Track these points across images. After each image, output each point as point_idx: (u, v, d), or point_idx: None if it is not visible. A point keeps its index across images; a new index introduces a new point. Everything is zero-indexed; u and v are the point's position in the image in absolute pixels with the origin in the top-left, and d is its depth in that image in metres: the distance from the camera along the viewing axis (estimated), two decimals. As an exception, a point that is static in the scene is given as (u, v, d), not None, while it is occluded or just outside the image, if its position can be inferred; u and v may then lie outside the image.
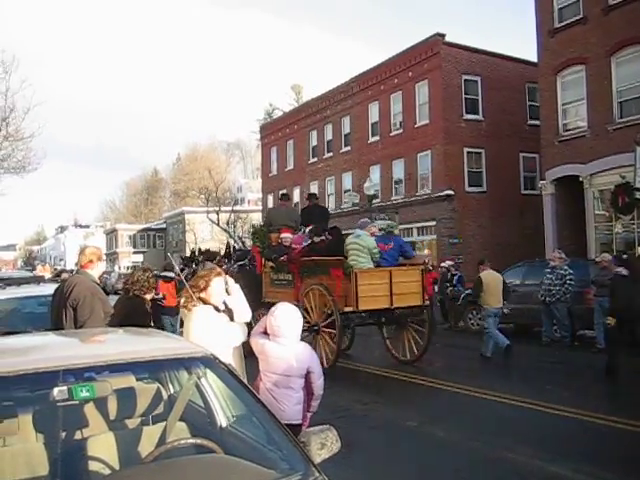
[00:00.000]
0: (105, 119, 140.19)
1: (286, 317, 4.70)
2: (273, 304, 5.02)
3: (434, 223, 27.24)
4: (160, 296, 11.65)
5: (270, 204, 42.12)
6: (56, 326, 5.51)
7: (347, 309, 10.46)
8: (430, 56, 27.46)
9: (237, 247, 13.97)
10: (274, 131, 42.72)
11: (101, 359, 3.03)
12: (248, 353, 5.28)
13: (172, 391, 3.83)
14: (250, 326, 5.17)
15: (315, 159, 36.86)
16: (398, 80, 29.57)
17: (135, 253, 71.16)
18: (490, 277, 13.39)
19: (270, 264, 12.06)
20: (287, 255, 11.55)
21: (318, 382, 4.70)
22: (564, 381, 10.62)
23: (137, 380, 3.63)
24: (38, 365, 2.86)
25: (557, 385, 10.13)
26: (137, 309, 6.15)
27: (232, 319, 5.02)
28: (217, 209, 51.47)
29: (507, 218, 26.07)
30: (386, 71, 30.47)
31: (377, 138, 31.31)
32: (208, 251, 14.16)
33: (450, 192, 26.43)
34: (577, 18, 20.33)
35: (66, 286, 5.70)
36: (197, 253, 13.75)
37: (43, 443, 3.13)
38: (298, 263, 11.41)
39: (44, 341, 4.00)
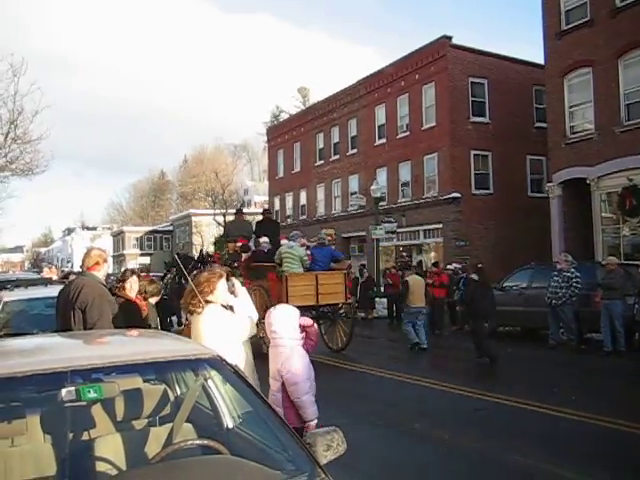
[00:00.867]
0: (112, 122, 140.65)
1: (271, 319, 4.78)
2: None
3: (441, 226, 27.21)
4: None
5: (277, 206, 42.21)
6: (62, 328, 5.51)
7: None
8: (437, 59, 27.47)
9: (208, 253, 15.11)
10: (281, 133, 42.78)
11: (108, 360, 3.05)
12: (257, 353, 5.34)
13: (179, 392, 3.84)
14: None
15: (322, 161, 36.89)
16: (405, 82, 29.59)
17: (142, 255, 71.29)
18: (415, 281, 14.83)
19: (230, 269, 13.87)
20: (238, 261, 13.44)
21: (290, 387, 4.61)
22: (570, 384, 10.58)
23: (144, 381, 3.64)
24: (46, 366, 2.87)
25: (563, 388, 10.10)
26: (131, 311, 6.19)
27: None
28: (224, 211, 51.57)
29: (514, 221, 26.01)
30: (393, 74, 30.49)
31: (384, 140, 31.32)
32: (185, 256, 15.17)
33: (457, 195, 26.41)
34: (584, 20, 20.30)
35: (73, 288, 5.70)
36: (178, 257, 14.31)
37: (51, 443, 3.15)
38: (246, 268, 13.42)
39: (52, 342, 4.02)
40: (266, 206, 17.25)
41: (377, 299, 24.26)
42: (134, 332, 4.44)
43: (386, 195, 29.90)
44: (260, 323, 5.91)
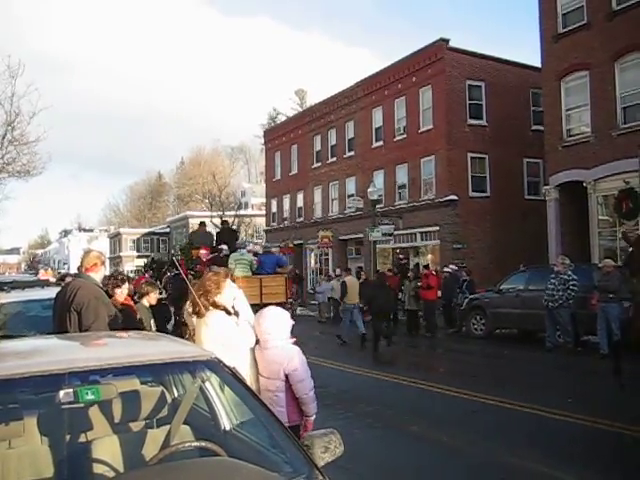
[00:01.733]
0: (110, 124, 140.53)
1: (264, 321, 4.72)
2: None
3: (437, 228, 27.21)
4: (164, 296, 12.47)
5: (274, 209, 42.26)
6: (59, 330, 5.49)
7: None
8: (434, 61, 27.49)
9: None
10: (278, 136, 42.79)
11: (106, 362, 3.05)
12: None
13: (176, 394, 3.84)
14: None
15: (319, 164, 36.89)
16: (402, 85, 29.61)
17: (139, 257, 71.15)
18: (352, 282, 18.06)
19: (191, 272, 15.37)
20: (199, 265, 14.60)
21: (297, 385, 4.60)
22: (567, 386, 10.60)
23: (141, 383, 3.64)
24: (43, 368, 2.87)
25: (560, 390, 10.12)
26: (121, 315, 6.20)
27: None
28: (221, 213, 51.56)
29: (511, 223, 26.02)
30: (390, 76, 30.51)
31: (381, 143, 31.34)
32: (159, 260, 15.85)
33: (454, 197, 26.42)
34: (581, 24, 20.35)
35: (69, 290, 5.68)
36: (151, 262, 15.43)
37: (48, 445, 3.14)
38: (204, 271, 14.37)
39: (49, 344, 4.01)
40: (225, 218, 19.36)
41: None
42: (131, 334, 4.44)
43: (383, 197, 29.89)
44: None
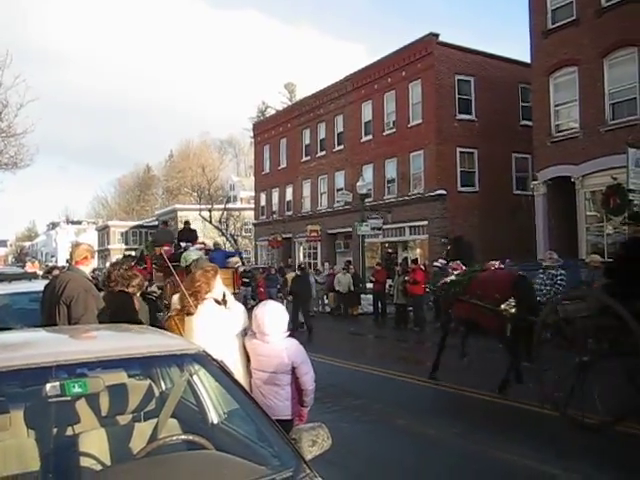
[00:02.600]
0: (98, 116, 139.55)
1: (268, 315, 4.69)
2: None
3: (426, 222, 27.27)
4: (155, 290, 12.53)
5: (263, 202, 42.26)
6: (48, 322, 5.46)
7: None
8: (424, 56, 27.51)
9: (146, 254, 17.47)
10: (267, 129, 42.70)
11: (94, 355, 3.04)
12: None
13: (164, 388, 3.84)
14: None
15: (308, 157, 36.86)
16: (391, 79, 29.61)
17: (127, 250, 70.74)
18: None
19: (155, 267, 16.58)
20: (162, 261, 15.77)
21: (304, 377, 4.65)
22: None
23: (129, 376, 3.63)
24: (30, 360, 2.86)
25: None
26: (124, 305, 6.13)
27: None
28: (210, 207, 51.41)
29: (499, 218, 26.10)
30: (380, 70, 30.50)
31: (370, 137, 31.34)
32: (129, 256, 17.22)
33: (442, 192, 26.49)
34: (570, 20, 20.41)
35: (58, 283, 5.65)
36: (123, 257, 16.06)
37: (35, 439, 3.13)
38: (165, 266, 15.71)
39: (36, 337, 3.99)
40: (186, 219, 20.62)
41: (363, 295, 24.35)
42: (119, 327, 4.43)
43: (372, 192, 29.92)
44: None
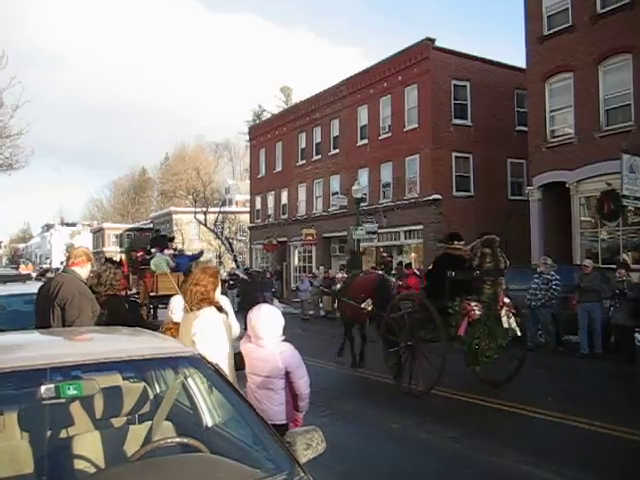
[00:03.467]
0: (93, 118, 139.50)
1: (262, 319, 4.67)
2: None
3: (421, 227, 27.26)
4: (134, 292, 13.74)
5: (258, 206, 42.25)
6: (42, 325, 5.45)
7: (152, 294, 17.04)
8: (420, 60, 27.52)
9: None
10: (263, 133, 42.67)
11: (88, 357, 3.04)
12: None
13: (158, 390, 3.83)
14: None
15: (304, 161, 36.84)
16: (387, 84, 29.63)
17: (122, 252, 70.66)
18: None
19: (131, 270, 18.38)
20: (136, 264, 17.92)
21: (299, 382, 4.63)
22: (547, 385, 10.69)
23: (124, 379, 3.62)
24: (25, 362, 2.86)
25: (540, 389, 10.21)
26: (118, 308, 6.14)
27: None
28: (205, 210, 51.35)
29: (494, 223, 26.02)
30: (376, 75, 30.52)
31: (366, 141, 31.34)
32: (110, 259, 17.83)
33: (437, 196, 26.49)
34: (566, 26, 20.48)
35: (53, 285, 5.64)
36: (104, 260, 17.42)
37: (28, 441, 3.12)
38: (137, 269, 18.14)
39: (31, 339, 3.97)
40: (157, 228, 21.41)
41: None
42: (114, 329, 4.42)
43: (367, 196, 29.93)
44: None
